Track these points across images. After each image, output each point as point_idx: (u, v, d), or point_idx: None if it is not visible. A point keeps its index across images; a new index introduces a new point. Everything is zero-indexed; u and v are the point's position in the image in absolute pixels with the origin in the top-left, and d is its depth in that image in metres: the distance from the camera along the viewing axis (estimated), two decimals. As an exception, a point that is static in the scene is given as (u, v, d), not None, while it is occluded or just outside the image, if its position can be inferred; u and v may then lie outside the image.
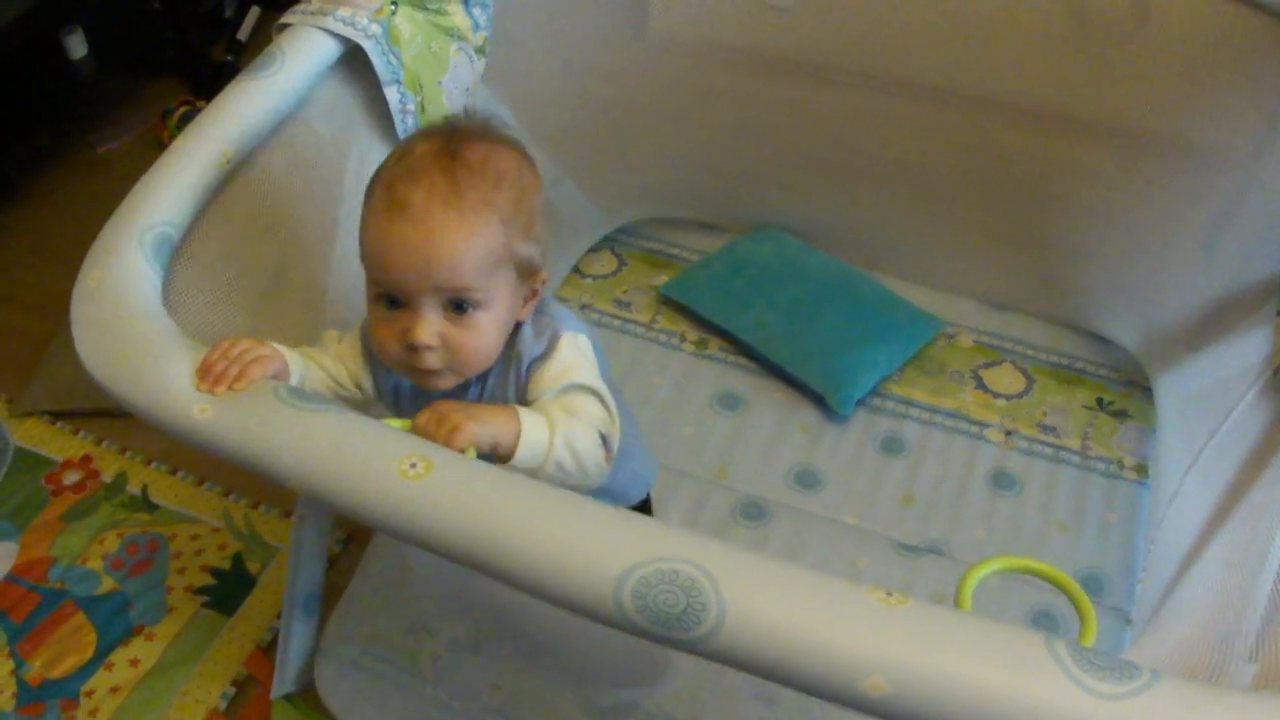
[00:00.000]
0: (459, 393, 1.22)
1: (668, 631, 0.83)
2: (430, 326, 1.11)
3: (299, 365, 1.20)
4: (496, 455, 1.06)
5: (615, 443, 1.15)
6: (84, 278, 1.13)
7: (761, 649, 0.82)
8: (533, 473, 1.06)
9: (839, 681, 0.80)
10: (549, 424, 1.09)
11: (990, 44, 1.84)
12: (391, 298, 1.12)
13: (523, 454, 1.05)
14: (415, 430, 1.02)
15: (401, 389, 1.27)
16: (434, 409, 1.04)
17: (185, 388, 1.02)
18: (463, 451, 1.00)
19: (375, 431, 0.99)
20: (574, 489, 1.02)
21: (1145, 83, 1.76)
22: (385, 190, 1.11)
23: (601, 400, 1.16)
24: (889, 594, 0.83)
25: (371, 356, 1.25)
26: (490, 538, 0.89)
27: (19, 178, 2.58)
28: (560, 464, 1.08)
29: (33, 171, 2.59)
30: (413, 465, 0.93)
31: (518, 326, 1.21)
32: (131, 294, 1.11)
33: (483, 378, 1.22)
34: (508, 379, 1.21)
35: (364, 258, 1.15)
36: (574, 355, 1.19)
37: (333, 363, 1.26)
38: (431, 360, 1.13)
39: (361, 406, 1.26)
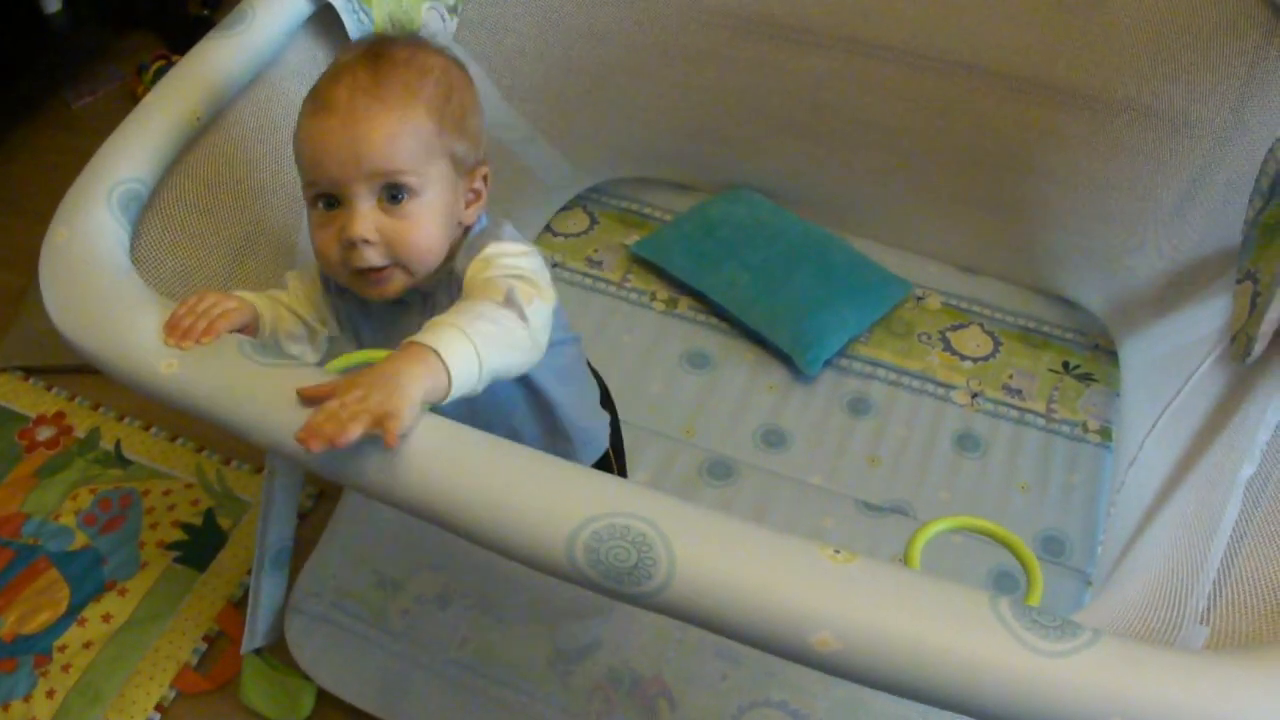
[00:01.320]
0: (404, 308, 1.21)
1: (619, 586, 0.85)
2: (365, 219, 1.10)
3: (269, 312, 1.20)
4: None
5: (533, 313, 1.08)
6: (52, 234, 1.13)
7: (711, 604, 0.84)
8: (472, 388, 1.01)
9: (788, 637, 0.82)
10: (466, 338, 1.00)
11: (964, 8, 1.85)
12: (327, 197, 1.12)
13: (458, 386, 0.98)
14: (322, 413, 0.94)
15: (355, 313, 1.26)
16: (341, 399, 0.93)
17: (152, 343, 1.03)
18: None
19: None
20: (513, 370, 1.05)
21: (1117, 50, 1.77)
22: (311, 95, 1.13)
23: (520, 278, 1.10)
24: (837, 552, 0.85)
25: (327, 284, 1.25)
26: (446, 492, 0.91)
27: (-8, 131, 2.57)
28: (492, 360, 1.01)
29: (6, 125, 2.58)
30: (373, 420, 0.94)
31: (466, 233, 1.20)
32: (99, 250, 1.11)
33: (432, 299, 1.20)
34: (450, 296, 1.17)
35: (298, 163, 1.14)
36: (493, 253, 1.14)
37: (299, 303, 1.26)
38: (372, 256, 1.12)
39: (338, 343, 1.28)
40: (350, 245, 1.11)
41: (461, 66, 1.21)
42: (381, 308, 1.23)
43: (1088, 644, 0.80)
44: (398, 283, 1.16)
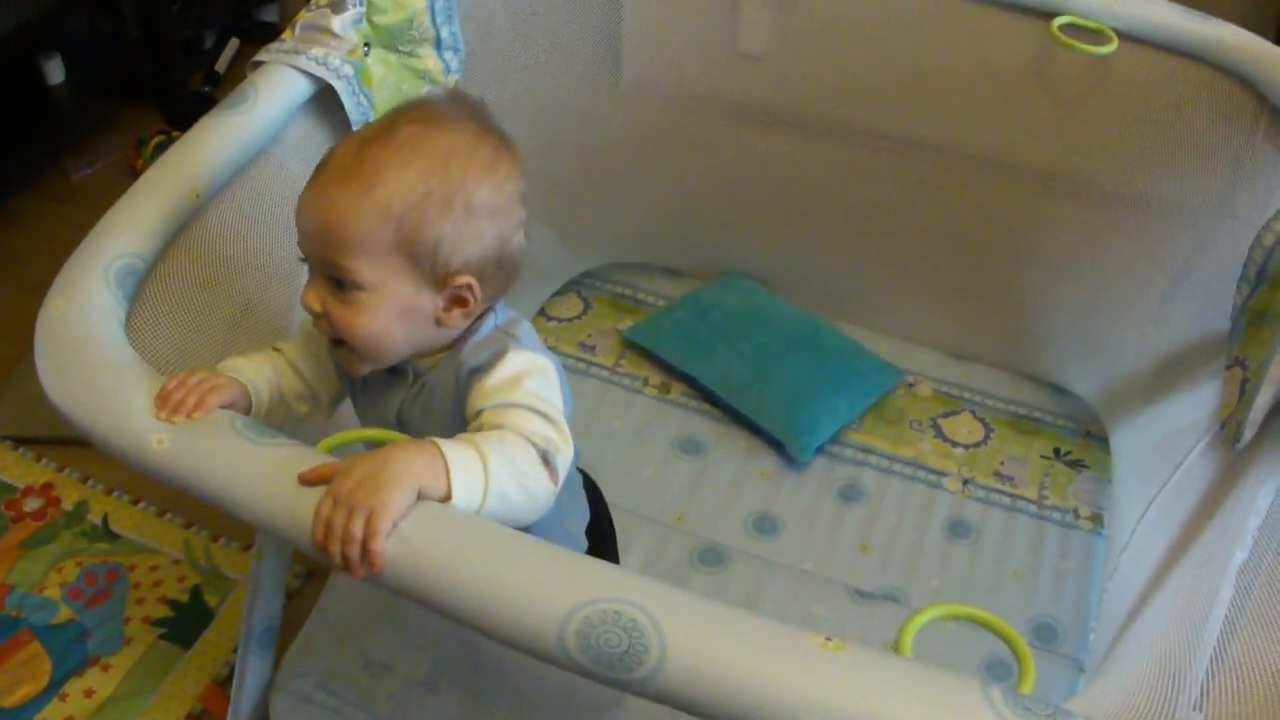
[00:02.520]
0: (396, 381, 1.19)
1: (610, 672, 0.85)
2: (313, 292, 1.10)
3: (269, 375, 1.19)
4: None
5: (562, 465, 1.06)
6: (48, 306, 1.13)
7: (701, 691, 0.83)
8: (473, 511, 1.00)
9: (777, 726, 0.82)
10: (479, 455, 0.99)
11: (956, 98, 1.88)
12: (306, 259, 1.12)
13: (457, 500, 0.97)
14: (319, 525, 0.94)
15: (354, 382, 1.24)
16: (331, 491, 0.94)
17: (144, 417, 1.03)
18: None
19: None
20: (518, 520, 1.02)
21: (1108, 139, 1.80)
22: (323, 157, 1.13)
23: (548, 419, 1.07)
24: (828, 639, 0.85)
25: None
26: (437, 575, 0.90)
27: (-9, 203, 2.58)
28: (503, 495, 1.00)
29: (5, 195, 2.58)
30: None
31: (474, 324, 1.17)
32: (94, 323, 1.11)
33: (426, 382, 1.18)
34: (450, 387, 1.16)
35: None
36: (518, 371, 1.10)
37: (304, 358, 1.25)
38: (323, 327, 1.12)
39: (337, 402, 1.29)
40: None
41: (497, 150, 1.13)
42: (374, 375, 1.21)
43: (1081, 735, 0.79)
44: (356, 363, 1.15)
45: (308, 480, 0.97)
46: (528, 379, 1.10)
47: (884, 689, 0.82)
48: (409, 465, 0.96)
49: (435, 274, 1.10)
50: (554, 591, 0.88)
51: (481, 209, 1.10)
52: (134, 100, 2.88)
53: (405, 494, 0.94)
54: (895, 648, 0.91)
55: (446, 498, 0.97)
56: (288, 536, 0.96)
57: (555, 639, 0.86)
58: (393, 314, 1.11)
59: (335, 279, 1.09)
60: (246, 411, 1.15)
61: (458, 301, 1.13)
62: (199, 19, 2.98)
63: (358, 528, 0.92)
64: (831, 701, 0.81)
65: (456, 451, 0.99)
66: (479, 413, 1.08)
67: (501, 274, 1.15)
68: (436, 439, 0.99)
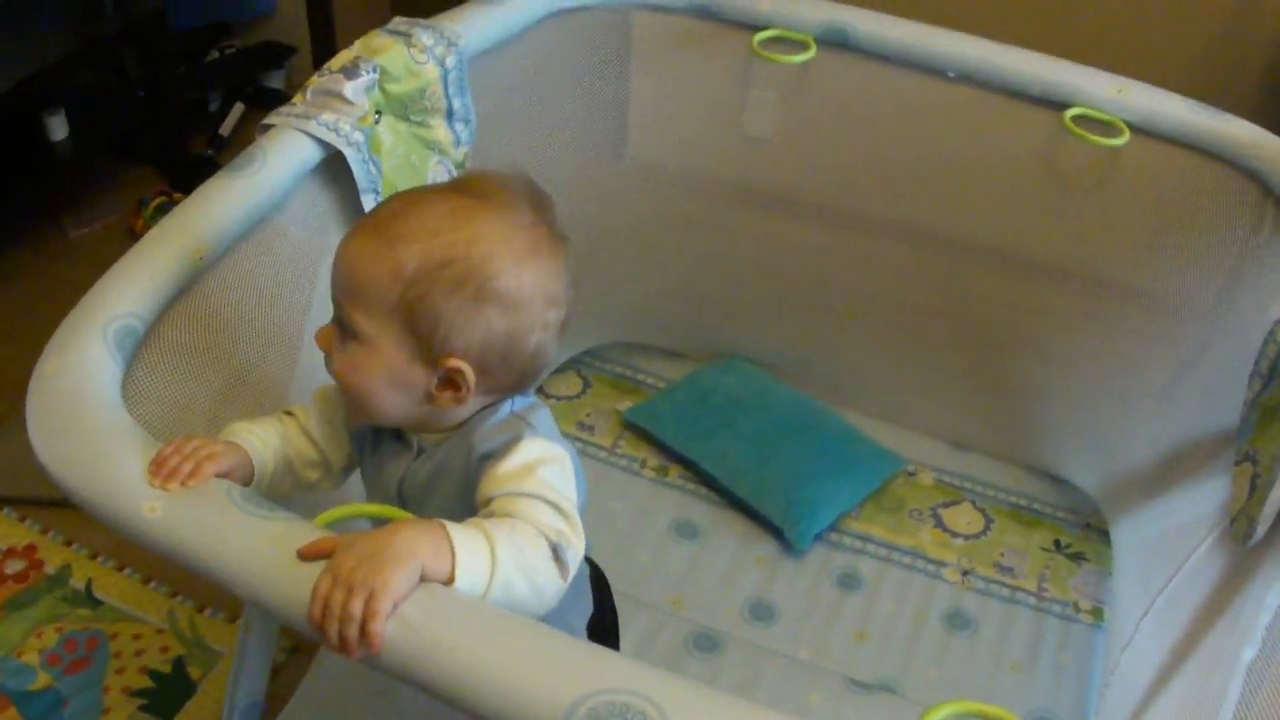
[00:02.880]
0: (400, 449, 1.17)
1: (615, 766, 0.82)
2: (324, 330, 1.11)
3: (274, 444, 1.17)
4: None
5: (573, 560, 1.03)
6: (43, 365, 1.11)
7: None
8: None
9: (785, 826, 0.78)
10: (487, 540, 0.96)
11: (964, 187, 1.88)
12: None
13: (461, 582, 0.94)
14: (317, 603, 0.91)
15: (363, 445, 1.23)
16: (330, 568, 0.92)
17: (137, 484, 1.00)
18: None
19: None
20: (523, 614, 0.97)
21: (1111, 232, 1.80)
22: None
23: (560, 512, 1.04)
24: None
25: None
26: (437, 660, 0.87)
27: (-12, 260, 2.57)
28: (508, 585, 0.97)
29: (1, 250, 2.58)
30: (361, 580, 0.91)
31: (487, 407, 1.14)
32: (90, 385, 1.09)
33: (433, 457, 1.15)
34: (457, 469, 1.13)
35: None
36: (533, 459, 1.07)
37: (316, 424, 1.23)
38: (327, 366, 1.12)
39: (349, 470, 1.26)
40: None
41: (528, 247, 1.08)
42: (382, 439, 1.20)
43: None
44: (352, 414, 1.16)
45: (307, 555, 0.95)
46: (541, 468, 1.06)
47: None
48: (413, 545, 0.93)
49: (429, 350, 1.07)
50: (559, 681, 0.85)
51: (495, 298, 1.06)
52: (136, 160, 2.88)
53: (408, 574, 0.91)
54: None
55: (449, 582, 0.94)
56: (282, 613, 0.93)
57: (561, 732, 0.83)
58: (382, 375, 1.08)
59: (341, 325, 1.09)
60: (248, 479, 1.12)
61: (450, 384, 1.10)
62: (205, 82, 2.99)
63: (357, 607, 0.89)
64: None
65: (463, 536, 0.96)
66: (489, 500, 1.05)
67: (508, 369, 1.11)
68: (444, 521, 0.97)
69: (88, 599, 1.90)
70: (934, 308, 2.03)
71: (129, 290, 1.20)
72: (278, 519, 0.98)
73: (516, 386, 1.14)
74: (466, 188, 1.11)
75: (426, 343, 1.07)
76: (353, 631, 0.89)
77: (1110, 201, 1.78)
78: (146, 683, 1.79)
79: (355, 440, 1.23)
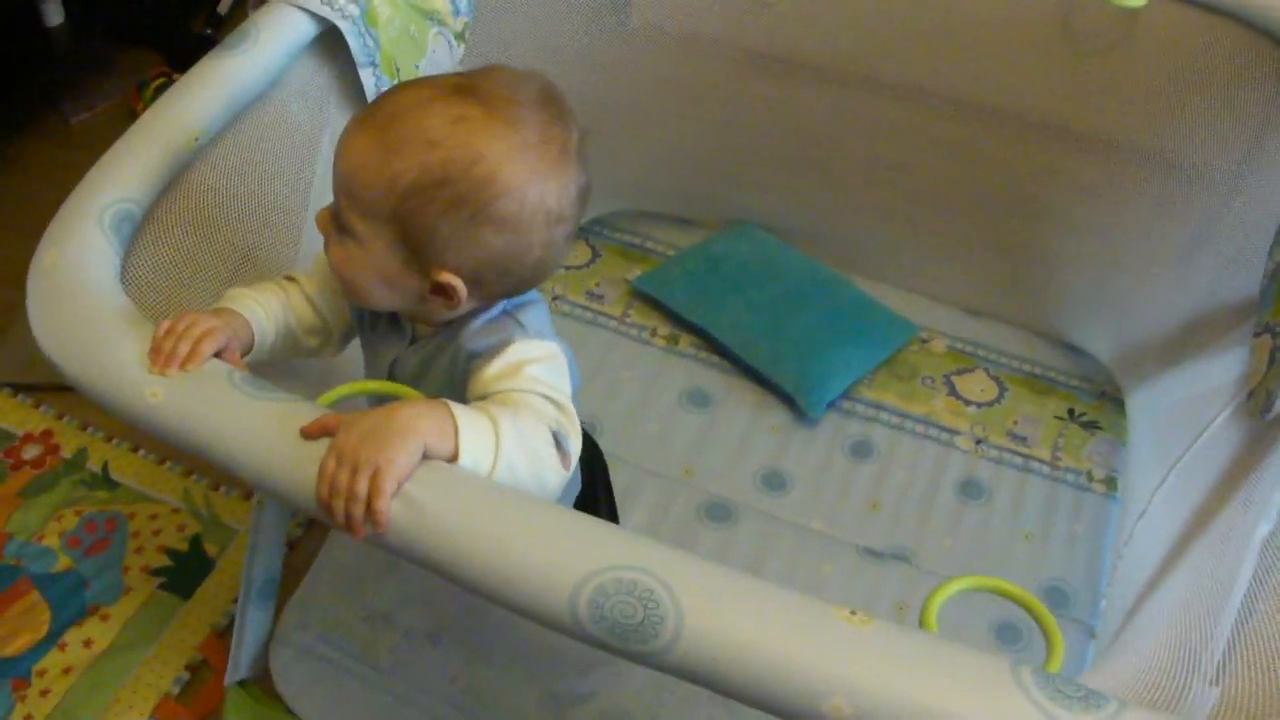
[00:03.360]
0: (396, 334, 1.17)
1: (623, 644, 0.81)
2: (324, 213, 1.09)
3: (275, 311, 1.16)
4: None
5: (572, 450, 1.02)
6: (41, 254, 1.09)
7: (720, 666, 0.80)
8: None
9: (799, 703, 0.78)
10: (491, 421, 0.96)
11: (979, 50, 1.83)
12: None
13: (465, 460, 0.93)
14: (324, 483, 0.91)
15: (364, 320, 1.22)
16: (335, 447, 0.91)
17: (137, 370, 0.99)
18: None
19: (325, 420, 0.96)
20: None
21: (1130, 95, 1.75)
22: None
23: (556, 404, 1.03)
24: (853, 613, 0.82)
25: None
26: (442, 539, 0.87)
27: (-14, 145, 2.54)
28: (512, 466, 0.96)
29: (2, 140, 2.55)
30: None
31: (472, 314, 1.12)
32: (88, 272, 1.07)
33: (423, 347, 1.15)
34: (445, 363, 1.12)
35: None
36: (520, 359, 1.06)
37: (318, 289, 1.22)
38: (325, 250, 1.10)
39: (349, 336, 1.26)
40: None
41: (534, 169, 1.03)
42: (379, 319, 1.19)
43: (1114, 715, 0.76)
44: (347, 297, 1.15)
45: (310, 433, 0.94)
46: (530, 366, 1.05)
47: (910, 666, 0.78)
48: (416, 422, 0.92)
49: (421, 261, 1.05)
50: (566, 558, 0.84)
51: (494, 220, 1.03)
52: (134, 43, 2.82)
53: (411, 451, 0.91)
54: (920, 622, 0.88)
55: (453, 460, 0.93)
56: (288, 494, 0.93)
57: (567, 609, 0.82)
58: (374, 274, 1.07)
59: (337, 215, 1.07)
60: (249, 347, 1.12)
61: (441, 292, 1.07)
62: (201, -42, 2.92)
63: (362, 485, 0.89)
64: (856, 678, 0.78)
65: (467, 414, 0.95)
66: (481, 398, 1.04)
67: (505, 281, 1.09)
68: (447, 400, 0.96)
69: (105, 481, 1.91)
70: (948, 172, 1.99)
71: (124, 175, 1.18)
72: (279, 400, 0.97)
73: (514, 293, 1.13)
74: (475, 92, 1.04)
75: (419, 254, 1.05)
76: (359, 510, 0.89)
77: (1129, 65, 1.73)
78: (165, 561, 1.80)
79: (355, 312, 1.22)
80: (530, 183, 1.03)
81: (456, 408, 0.95)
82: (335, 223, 1.07)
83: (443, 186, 1.01)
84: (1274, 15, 1.59)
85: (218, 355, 1.04)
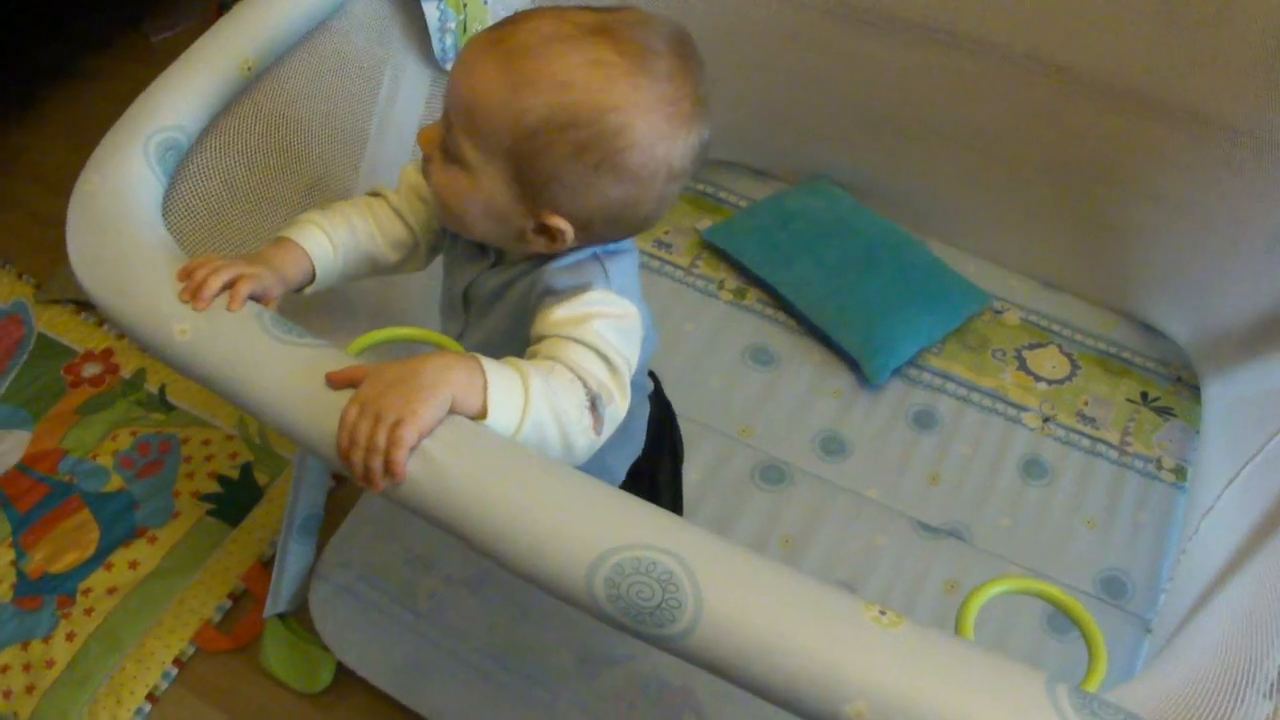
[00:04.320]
0: (483, 266, 1.14)
1: (639, 626, 0.79)
2: (430, 133, 1.06)
3: (344, 236, 1.14)
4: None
5: (610, 417, 0.99)
6: (84, 179, 1.08)
7: (738, 658, 0.77)
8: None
9: (819, 704, 0.75)
10: (521, 378, 0.94)
11: (1070, 10, 1.76)
12: None
13: (493, 417, 0.91)
14: (344, 432, 0.89)
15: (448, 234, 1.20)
16: (358, 396, 0.90)
17: (170, 304, 0.97)
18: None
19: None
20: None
21: (1226, 69, 1.68)
22: (509, 18, 1.03)
23: (608, 364, 1.01)
24: (883, 613, 0.78)
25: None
26: (460, 500, 0.85)
27: (70, 60, 2.54)
28: (540, 425, 0.94)
29: (84, 54, 2.55)
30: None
31: (560, 252, 1.09)
32: (129, 202, 1.06)
33: (504, 272, 1.12)
34: (521, 294, 1.10)
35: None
36: (591, 310, 1.03)
37: (405, 200, 1.20)
38: (424, 169, 1.09)
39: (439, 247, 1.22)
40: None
41: (664, 124, 1.00)
42: (466, 241, 1.16)
43: (1147, 743, 0.72)
44: (443, 219, 1.12)
45: (336, 382, 0.92)
46: (599, 320, 1.02)
47: (939, 674, 0.74)
48: (444, 374, 0.90)
49: (535, 201, 1.03)
50: (587, 531, 0.81)
51: (617, 171, 1.00)
52: (218, -39, 2.82)
53: (437, 404, 0.88)
54: (956, 626, 0.83)
55: (480, 416, 0.91)
56: (309, 442, 0.91)
57: (583, 584, 0.80)
58: (479, 205, 1.04)
59: (447, 140, 1.03)
60: (310, 279, 1.12)
61: (546, 232, 1.05)
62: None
63: (382, 436, 0.86)
64: (880, 683, 0.74)
65: (498, 370, 0.93)
66: (540, 339, 1.02)
67: (613, 230, 1.07)
68: (479, 355, 0.93)
69: (161, 403, 1.92)
70: (1032, 137, 1.92)
71: (171, 103, 1.16)
72: (310, 346, 0.95)
73: (616, 239, 1.10)
74: (613, 35, 0.99)
75: (532, 193, 1.02)
76: (377, 462, 0.87)
77: (1228, 38, 1.65)
78: (215, 488, 1.81)
79: (445, 228, 1.19)
80: (660, 138, 1.00)
81: (487, 363, 0.92)
82: (444, 147, 1.04)
83: (570, 130, 0.98)
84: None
85: (254, 299, 1.02)
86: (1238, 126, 1.71)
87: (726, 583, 0.79)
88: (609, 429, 0.99)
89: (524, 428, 0.92)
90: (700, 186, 2.23)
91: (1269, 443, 1.37)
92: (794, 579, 0.80)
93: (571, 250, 1.08)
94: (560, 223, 1.03)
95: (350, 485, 1.77)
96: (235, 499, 1.80)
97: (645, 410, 1.33)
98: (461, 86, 1.01)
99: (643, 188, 1.02)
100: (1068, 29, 1.77)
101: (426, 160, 1.07)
